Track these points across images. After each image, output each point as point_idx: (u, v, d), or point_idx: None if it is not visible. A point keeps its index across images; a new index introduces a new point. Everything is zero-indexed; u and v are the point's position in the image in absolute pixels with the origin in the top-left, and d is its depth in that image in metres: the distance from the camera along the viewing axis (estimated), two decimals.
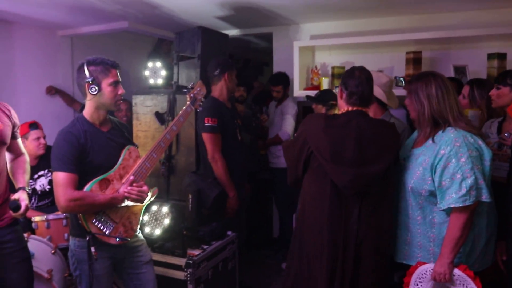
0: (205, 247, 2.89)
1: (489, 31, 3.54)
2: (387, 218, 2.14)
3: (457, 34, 3.63)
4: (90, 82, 2.16)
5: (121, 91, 2.26)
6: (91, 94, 2.18)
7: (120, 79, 2.27)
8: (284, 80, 4.43)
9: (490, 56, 3.56)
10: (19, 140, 2.52)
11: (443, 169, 1.98)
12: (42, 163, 3.45)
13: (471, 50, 3.89)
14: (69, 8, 3.77)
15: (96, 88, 2.17)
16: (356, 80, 2.16)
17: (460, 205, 1.93)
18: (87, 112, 2.25)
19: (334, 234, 2.07)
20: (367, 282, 2.08)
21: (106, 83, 2.20)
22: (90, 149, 2.16)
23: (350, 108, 2.17)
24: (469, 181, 1.93)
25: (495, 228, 2.18)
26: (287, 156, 2.30)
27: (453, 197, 1.94)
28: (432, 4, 3.72)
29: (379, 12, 4.02)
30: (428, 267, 2.04)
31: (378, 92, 2.72)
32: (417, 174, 2.08)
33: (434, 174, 2.02)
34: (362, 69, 2.22)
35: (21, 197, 2.22)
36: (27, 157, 2.53)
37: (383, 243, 2.13)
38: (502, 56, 3.51)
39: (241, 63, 6.81)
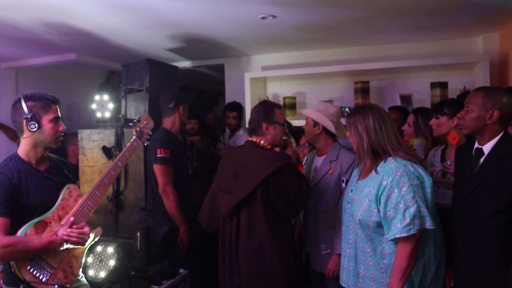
0: (154, 287, 2.76)
1: (432, 62, 3.72)
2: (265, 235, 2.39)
3: (402, 64, 3.79)
4: (29, 118, 2.05)
5: (61, 127, 2.15)
6: (30, 131, 2.06)
7: (60, 115, 2.16)
8: (239, 107, 4.46)
9: (433, 85, 3.71)
10: None
11: (387, 199, 2.00)
12: None
13: (416, 80, 4.04)
14: (13, 40, 3.64)
15: (36, 124, 2.06)
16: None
17: (405, 235, 1.94)
18: (22, 150, 2.12)
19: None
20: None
21: (46, 119, 2.09)
22: (25, 190, 2.03)
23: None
24: (412, 210, 1.94)
25: (444, 254, 2.20)
26: None
27: (398, 227, 1.95)
28: (378, 36, 3.86)
29: (328, 44, 4.12)
30: None
31: (326, 123, 2.75)
32: (363, 206, 2.08)
33: (379, 205, 2.03)
34: (261, 102, 2.63)
35: None
36: None
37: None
38: (443, 85, 3.66)
39: (195, 93, 6.79)
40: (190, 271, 3.11)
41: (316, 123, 2.77)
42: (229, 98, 4.77)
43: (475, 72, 3.79)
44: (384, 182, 2.01)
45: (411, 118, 3.00)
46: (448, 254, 2.20)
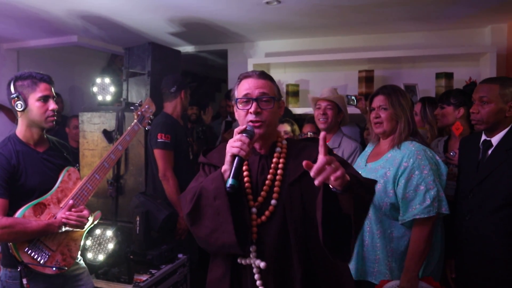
0: (153, 271, 2.75)
1: (437, 52, 3.66)
2: None
3: (408, 53, 3.73)
4: (16, 98, 2.02)
5: (52, 106, 2.09)
6: (18, 110, 2.05)
7: (54, 94, 2.12)
8: None
9: (438, 75, 3.67)
10: None
11: (407, 181, 2.00)
12: None
13: (421, 70, 3.99)
14: (15, 21, 3.59)
15: (22, 104, 2.03)
16: None
17: (425, 216, 1.95)
18: (19, 131, 2.10)
19: None
20: None
21: (33, 98, 2.05)
22: (23, 171, 2.01)
23: None
24: (432, 192, 1.96)
25: (444, 244, 2.20)
26: None
27: (417, 208, 1.96)
28: (384, 25, 3.80)
29: (333, 31, 4.07)
30: (393, 284, 2.01)
31: (346, 110, 2.73)
32: (378, 187, 2.07)
33: (397, 186, 2.02)
34: None
35: None
36: None
37: None
38: (449, 76, 3.61)
39: (198, 79, 6.74)
40: (190, 256, 3.11)
41: (340, 110, 2.76)
42: (232, 84, 4.72)
43: (481, 64, 3.73)
44: (405, 164, 2.02)
45: (418, 107, 2.97)
46: (450, 246, 2.19)
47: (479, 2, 3.08)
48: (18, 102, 2.03)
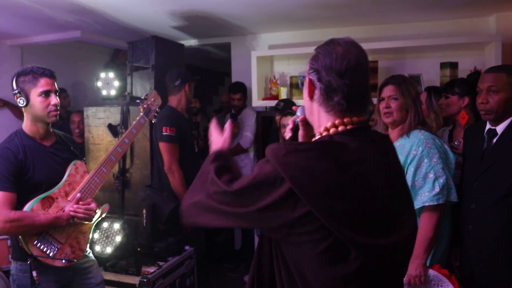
0: (160, 263, 2.78)
1: (441, 41, 3.64)
2: None
3: (411, 44, 3.72)
4: (18, 94, 2.04)
5: (54, 101, 2.09)
6: (21, 106, 2.07)
7: (56, 88, 2.13)
8: (243, 88, 4.39)
9: (443, 65, 3.65)
10: None
11: (416, 169, 2.02)
12: None
13: (425, 60, 3.97)
14: (18, 17, 3.60)
15: (24, 99, 2.04)
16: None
17: (434, 203, 1.97)
18: (25, 126, 2.12)
19: None
20: None
21: (35, 93, 2.06)
22: (30, 165, 2.03)
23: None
24: (442, 180, 1.98)
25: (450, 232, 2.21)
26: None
27: (426, 196, 1.98)
28: (387, 15, 3.78)
29: (336, 22, 4.05)
30: None
31: None
32: None
33: (406, 174, 2.03)
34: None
35: None
36: None
37: None
38: (453, 65, 3.60)
39: (201, 73, 6.73)
40: (196, 247, 3.13)
41: None
42: (235, 77, 4.73)
43: (486, 53, 3.71)
44: (414, 152, 2.03)
45: (423, 96, 2.97)
46: (455, 234, 2.20)
47: None
48: (20, 98, 2.04)
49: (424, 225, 2.00)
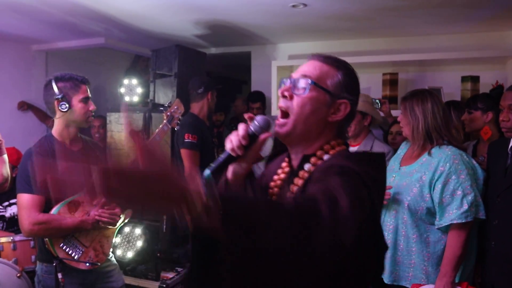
0: (179, 269, 2.81)
1: (463, 55, 3.63)
2: None
3: (432, 57, 3.71)
4: (60, 99, 2.09)
5: (92, 107, 2.18)
6: (61, 111, 2.10)
7: (90, 95, 2.20)
8: (263, 97, 4.43)
9: (464, 79, 3.64)
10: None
11: (444, 185, 2.00)
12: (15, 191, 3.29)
13: (446, 73, 3.96)
14: (44, 23, 3.69)
15: (67, 105, 2.10)
16: None
17: (463, 221, 1.95)
18: (56, 130, 2.17)
19: None
20: None
21: (76, 99, 2.13)
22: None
23: None
24: (470, 197, 1.96)
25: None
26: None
27: (454, 213, 1.96)
28: (409, 28, 3.79)
29: (357, 34, 4.07)
30: None
31: (375, 112, 2.73)
32: (414, 191, 2.07)
33: (433, 191, 2.02)
34: None
35: None
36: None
37: None
38: (475, 79, 3.58)
39: (219, 80, 6.79)
40: None
41: (364, 115, 2.73)
42: (255, 86, 4.76)
43: (508, 67, 3.69)
44: (441, 168, 2.01)
45: None
46: (478, 251, 2.19)
47: (505, 4, 3.04)
48: (62, 103, 2.09)
49: (453, 243, 1.98)
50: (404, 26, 3.74)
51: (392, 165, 2.31)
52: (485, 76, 3.68)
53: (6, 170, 2.43)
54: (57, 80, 2.12)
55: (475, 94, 2.92)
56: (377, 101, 3.40)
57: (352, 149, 2.78)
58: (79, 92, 2.14)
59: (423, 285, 2.03)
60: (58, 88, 2.10)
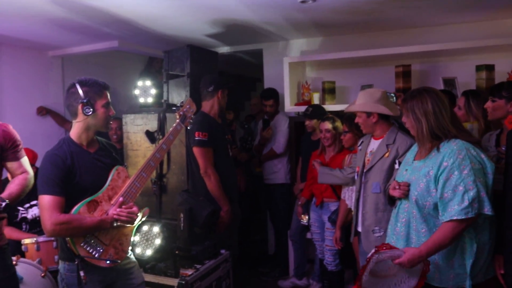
0: (198, 266, 2.85)
1: (477, 44, 3.58)
2: None
3: (446, 47, 3.67)
4: (85, 103, 2.14)
5: (112, 112, 2.26)
6: (85, 115, 2.15)
7: (110, 100, 2.26)
8: (275, 94, 4.44)
9: (479, 68, 3.59)
10: (21, 161, 2.43)
11: (445, 181, 1.98)
12: (35, 192, 3.36)
13: (460, 63, 3.92)
14: (59, 28, 3.77)
15: (91, 109, 2.15)
16: None
17: (463, 217, 1.92)
18: (74, 133, 2.22)
19: None
20: None
21: (100, 104, 2.19)
22: (77, 171, 2.13)
23: None
24: (471, 193, 1.92)
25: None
26: None
27: (455, 209, 1.93)
28: (420, 19, 3.76)
29: (368, 27, 4.06)
30: (393, 253, 1.97)
31: (380, 109, 2.73)
32: (421, 186, 2.06)
33: (437, 185, 2.02)
34: None
35: None
36: (28, 175, 2.43)
37: None
38: (490, 68, 3.54)
39: (233, 79, 6.82)
40: (231, 252, 3.19)
41: (369, 113, 2.75)
42: (267, 83, 4.78)
43: None
44: (445, 163, 1.99)
45: (461, 101, 2.92)
46: (498, 242, 2.16)
47: None
48: (86, 107, 2.14)
49: (445, 232, 1.95)
50: (415, 18, 3.72)
51: (408, 157, 2.30)
52: (501, 64, 3.63)
53: (31, 169, 2.50)
54: (82, 84, 2.17)
55: (500, 82, 2.85)
56: (392, 95, 3.38)
57: (376, 142, 2.79)
58: (102, 97, 2.20)
59: (392, 248, 2.00)
60: (84, 92, 2.15)
